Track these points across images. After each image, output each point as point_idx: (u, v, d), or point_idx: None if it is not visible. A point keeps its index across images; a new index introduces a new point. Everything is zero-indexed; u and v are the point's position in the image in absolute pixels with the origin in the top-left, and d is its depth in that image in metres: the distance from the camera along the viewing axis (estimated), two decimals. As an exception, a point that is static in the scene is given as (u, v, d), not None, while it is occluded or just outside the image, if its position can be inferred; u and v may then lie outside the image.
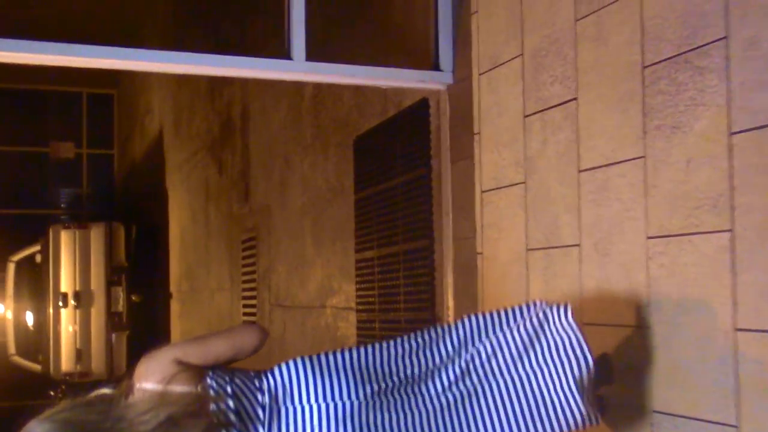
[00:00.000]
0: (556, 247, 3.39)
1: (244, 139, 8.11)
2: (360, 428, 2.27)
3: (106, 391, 2.14)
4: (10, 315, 12.86)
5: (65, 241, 11.53)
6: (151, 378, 2.10)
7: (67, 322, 11.47)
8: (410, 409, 2.36)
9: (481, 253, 3.93)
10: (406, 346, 2.53)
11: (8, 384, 14.86)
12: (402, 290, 4.70)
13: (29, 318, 12.65)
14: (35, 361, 12.26)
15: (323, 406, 2.27)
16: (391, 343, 2.53)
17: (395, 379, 2.41)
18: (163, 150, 12.39)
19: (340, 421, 2.26)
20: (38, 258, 12.26)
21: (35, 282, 12.28)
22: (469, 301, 4.03)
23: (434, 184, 4.41)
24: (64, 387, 11.41)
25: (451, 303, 4.19)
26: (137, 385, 2.10)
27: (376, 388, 2.35)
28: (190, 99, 10.69)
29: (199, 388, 2.13)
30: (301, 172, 6.49)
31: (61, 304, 11.37)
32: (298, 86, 6.59)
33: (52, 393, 11.45)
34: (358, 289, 5.31)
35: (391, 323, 4.82)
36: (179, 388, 2.11)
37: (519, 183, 3.64)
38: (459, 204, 4.17)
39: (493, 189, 3.84)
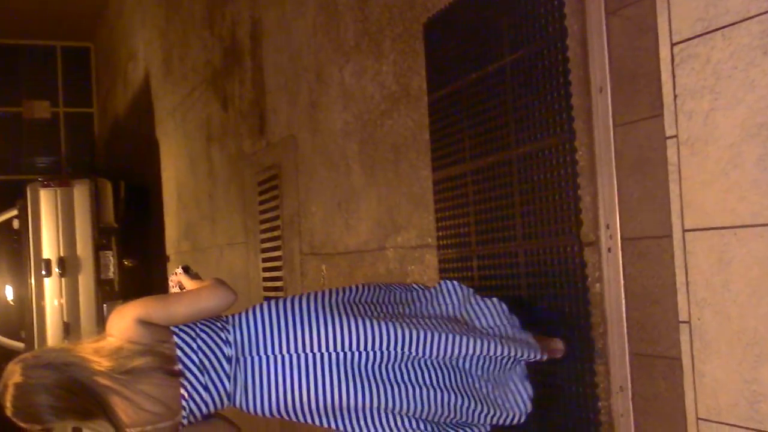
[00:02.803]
0: None
1: (256, 62, 6.75)
2: (320, 378, 2.38)
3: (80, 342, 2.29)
4: (-9, 290, 11.44)
5: (45, 202, 10.13)
6: (118, 336, 2.24)
7: (52, 293, 10.07)
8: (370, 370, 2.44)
9: (674, 137, 2.60)
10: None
11: (-12, 365, 13.47)
12: (518, 211, 3.38)
13: (8, 292, 11.23)
14: (17, 338, 10.88)
15: (286, 357, 2.38)
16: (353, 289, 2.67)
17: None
18: (150, 97, 11.03)
19: (302, 371, 2.38)
20: (15, 224, 10.86)
21: (14, 251, 10.88)
22: (654, 212, 2.72)
23: (572, 54, 3.08)
24: (50, 365, 10.04)
25: (615, 219, 2.88)
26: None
27: (339, 341, 2.40)
28: (181, 32, 9.32)
29: (164, 346, 2.26)
30: (340, 85, 5.14)
31: (44, 273, 9.95)
32: (330, -22, 5.26)
33: (37, 373, 10.10)
34: (439, 219, 3.99)
35: (500, 258, 3.51)
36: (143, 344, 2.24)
37: (758, 14, 2.32)
38: (624, 72, 2.85)
39: (699, 35, 2.51)
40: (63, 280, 9.95)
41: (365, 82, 4.81)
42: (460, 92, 3.80)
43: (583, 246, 3.01)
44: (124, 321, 2.24)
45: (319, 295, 2.54)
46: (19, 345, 10.71)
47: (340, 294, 2.59)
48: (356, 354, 2.43)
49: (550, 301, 3.20)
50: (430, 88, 4.07)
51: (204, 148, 8.41)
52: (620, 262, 2.86)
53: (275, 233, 6.25)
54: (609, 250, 2.89)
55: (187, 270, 2.71)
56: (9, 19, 15.16)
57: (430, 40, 4.07)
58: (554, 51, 3.16)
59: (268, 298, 2.61)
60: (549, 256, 3.21)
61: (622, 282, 2.85)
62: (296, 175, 5.84)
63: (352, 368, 2.42)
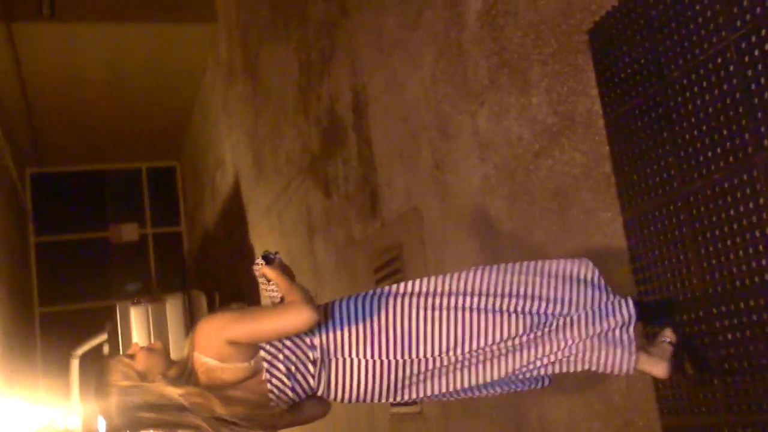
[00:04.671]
0: None
1: (362, 135, 5.98)
2: (396, 382, 2.56)
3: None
4: (78, 423, 10.62)
5: (137, 320, 9.38)
6: (209, 354, 2.38)
7: (150, 420, 9.22)
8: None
9: None
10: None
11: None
12: (772, 237, 2.45)
13: (101, 424, 10.40)
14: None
15: (370, 361, 2.52)
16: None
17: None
18: (241, 201, 10.37)
19: (383, 375, 2.54)
20: (106, 349, 10.14)
21: (106, 378, 10.09)
22: None
23: None
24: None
25: None
26: (196, 355, 2.41)
27: (416, 352, 2.54)
28: (272, 125, 8.66)
29: (252, 363, 2.42)
30: (473, 134, 4.31)
31: (139, 398, 9.15)
32: (451, 16, 4.48)
33: None
34: (639, 269, 3.06)
35: (753, 316, 2.56)
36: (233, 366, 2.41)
37: None
38: None
39: None
40: (160, 403, 9.14)
41: (508, 123, 3.97)
42: (654, 100, 2.92)
43: None
44: (216, 342, 2.38)
45: (404, 303, 2.61)
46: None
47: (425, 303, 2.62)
48: (423, 360, 2.57)
49: None
50: (607, 107, 3.20)
51: (305, 243, 7.62)
52: None
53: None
54: None
55: (267, 258, 2.63)
56: (94, 144, 14.86)
57: (601, 47, 3.22)
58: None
59: (353, 296, 2.64)
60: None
61: None
62: (423, 250, 4.97)
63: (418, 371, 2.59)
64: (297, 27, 7.55)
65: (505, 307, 2.61)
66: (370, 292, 2.65)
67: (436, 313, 2.58)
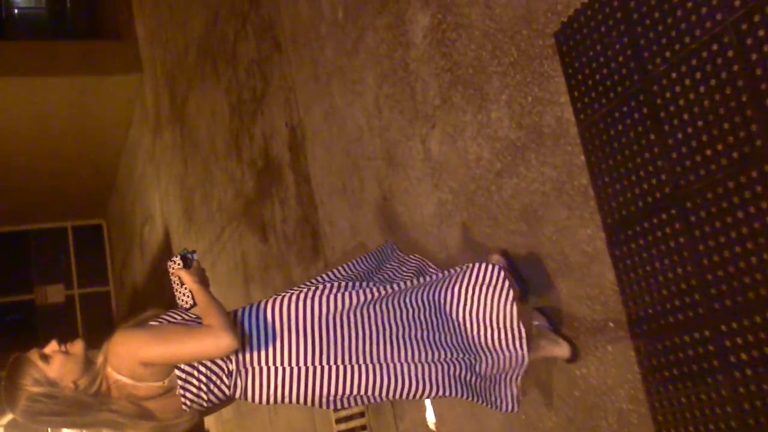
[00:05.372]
0: None
1: (300, 173, 5.61)
2: (313, 388, 2.48)
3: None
4: (4, 495, 9.99)
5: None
6: (122, 373, 2.31)
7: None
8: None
9: None
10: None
11: None
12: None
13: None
14: None
15: (287, 369, 2.48)
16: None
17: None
18: (172, 255, 9.85)
19: (301, 381, 2.48)
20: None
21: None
22: None
23: None
24: None
25: None
26: (108, 370, 2.32)
27: (339, 354, 2.51)
28: (203, 171, 8.25)
29: (166, 382, 2.36)
30: (425, 160, 3.98)
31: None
32: (394, 36, 4.17)
33: None
34: (630, 290, 2.72)
35: None
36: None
37: None
38: None
39: None
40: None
41: (464, 143, 3.64)
42: (637, 99, 2.61)
43: None
44: (130, 361, 2.30)
45: (316, 304, 2.54)
46: None
47: (339, 306, 2.56)
48: (341, 367, 2.52)
49: None
50: (581, 113, 2.88)
51: (241, 292, 7.19)
52: None
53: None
54: None
55: (184, 259, 2.59)
56: (18, 204, 14.28)
57: (570, 49, 2.91)
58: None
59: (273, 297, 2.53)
60: None
61: None
62: (372, 290, 4.59)
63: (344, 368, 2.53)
64: (226, 68, 7.21)
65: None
66: (279, 296, 2.58)
67: (351, 317, 2.57)
